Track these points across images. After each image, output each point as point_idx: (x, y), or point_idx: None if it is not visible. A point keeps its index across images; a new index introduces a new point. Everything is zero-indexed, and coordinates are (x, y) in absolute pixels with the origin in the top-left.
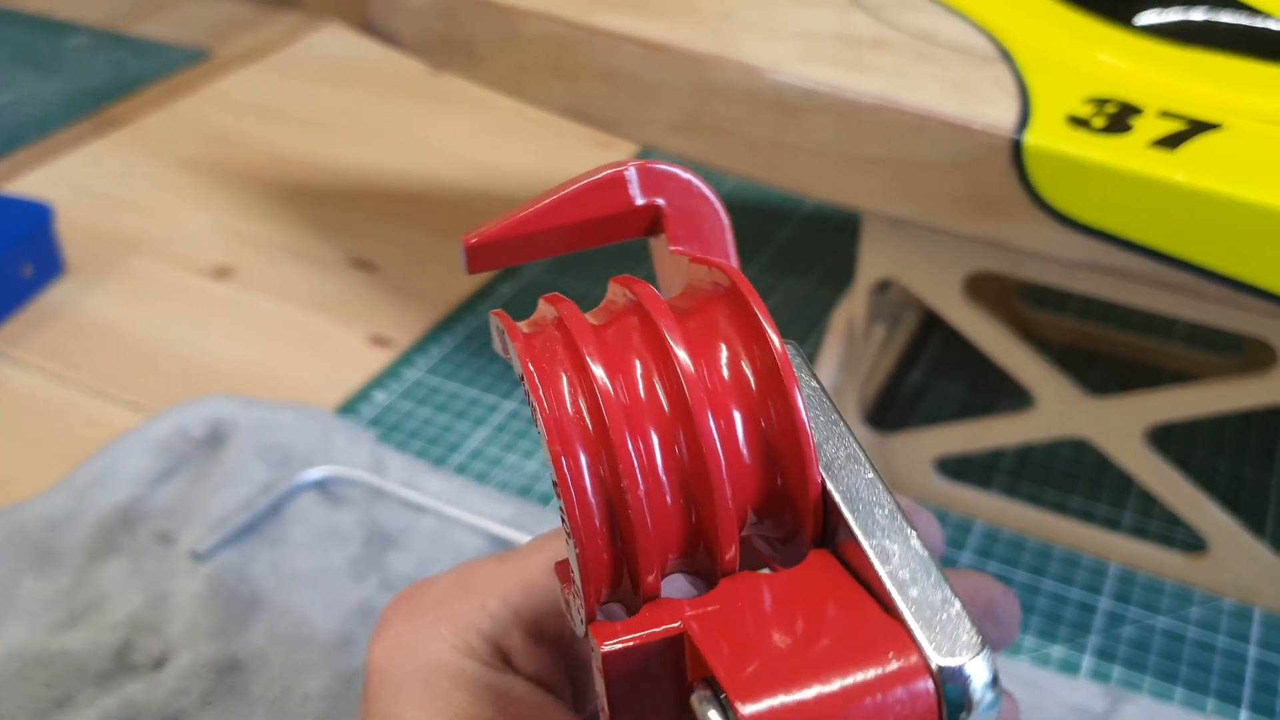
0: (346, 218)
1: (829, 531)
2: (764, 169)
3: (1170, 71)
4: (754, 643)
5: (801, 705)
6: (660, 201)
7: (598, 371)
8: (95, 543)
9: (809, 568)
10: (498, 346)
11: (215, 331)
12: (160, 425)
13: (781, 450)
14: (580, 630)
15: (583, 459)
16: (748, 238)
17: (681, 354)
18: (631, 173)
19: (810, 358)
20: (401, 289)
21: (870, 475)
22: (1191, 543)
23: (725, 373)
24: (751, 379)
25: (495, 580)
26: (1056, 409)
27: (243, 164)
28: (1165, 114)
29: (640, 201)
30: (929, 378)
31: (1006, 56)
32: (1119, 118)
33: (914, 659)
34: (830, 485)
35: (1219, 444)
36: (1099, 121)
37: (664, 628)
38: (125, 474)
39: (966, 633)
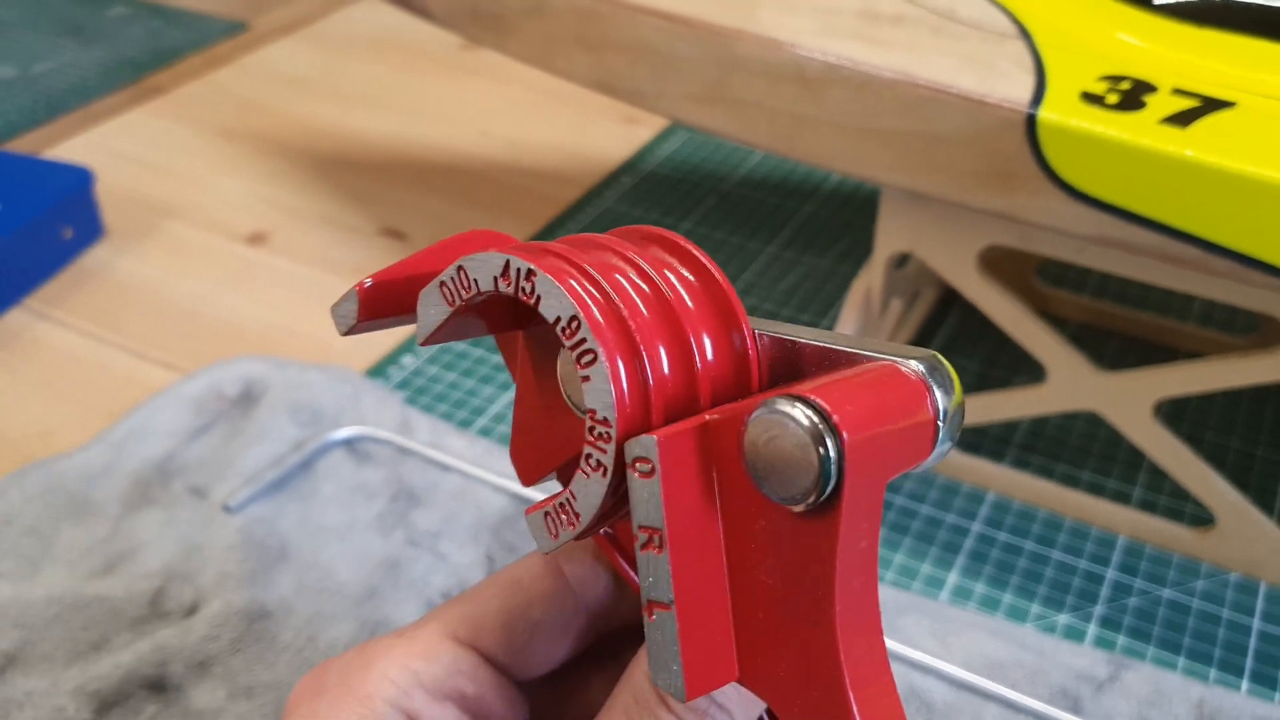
0: (377, 188)
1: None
2: (784, 141)
3: (1186, 50)
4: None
5: (866, 403)
6: None
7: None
8: (131, 494)
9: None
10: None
11: (249, 295)
12: (194, 383)
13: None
14: (601, 479)
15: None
16: (769, 214)
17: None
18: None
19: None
20: None
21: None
22: (1200, 517)
23: (685, 294)
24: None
25: (394, 652)
26: (1068, 382)
27: (277, 134)
28: (1179, 92)
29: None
30: (944, 353)
31: (1025, 34)
32: (1133, 95)
33: (905, 372)
34: (765, 330)
35: (1231, 423)
36: (1113, 98)
37: (702, 419)
38: (160, 429)
39: (914, 350)
